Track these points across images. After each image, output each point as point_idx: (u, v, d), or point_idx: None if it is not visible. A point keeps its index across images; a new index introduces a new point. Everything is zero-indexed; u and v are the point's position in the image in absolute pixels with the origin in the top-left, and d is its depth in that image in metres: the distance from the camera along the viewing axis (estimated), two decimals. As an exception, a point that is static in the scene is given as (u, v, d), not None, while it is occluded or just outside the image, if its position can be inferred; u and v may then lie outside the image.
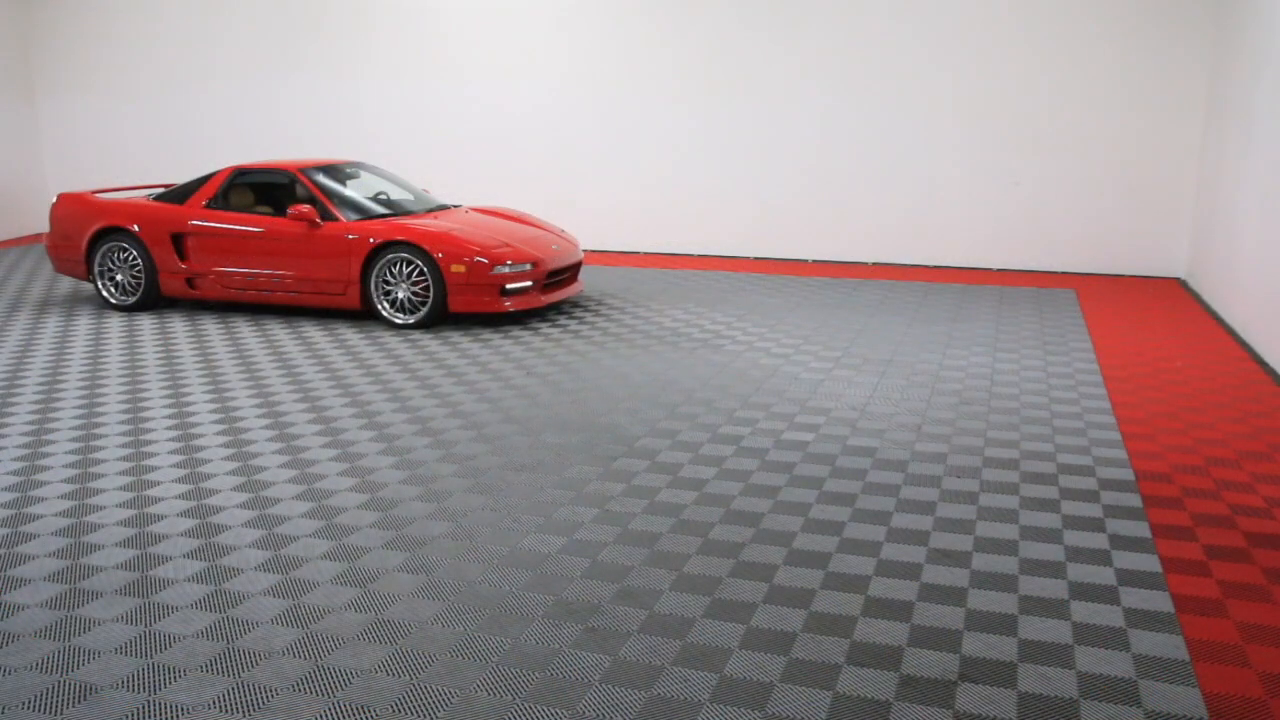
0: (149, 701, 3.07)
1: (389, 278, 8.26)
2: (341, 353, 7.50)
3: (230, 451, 5.32)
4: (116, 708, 3.04)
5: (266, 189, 9.27)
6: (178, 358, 7.36)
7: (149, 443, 5.46)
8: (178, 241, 8.79)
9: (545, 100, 12.32)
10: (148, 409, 6.09)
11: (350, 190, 9.02)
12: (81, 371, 6.99)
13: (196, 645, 3.39)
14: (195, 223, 8.73)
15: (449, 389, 6.51)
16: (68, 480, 4.90)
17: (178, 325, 8.47)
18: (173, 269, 8.82)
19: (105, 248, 8.96)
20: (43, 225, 14.59)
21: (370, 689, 3.14)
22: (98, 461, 5.16)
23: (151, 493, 4.74)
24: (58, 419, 5.89)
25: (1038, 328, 8.30)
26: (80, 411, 6.04)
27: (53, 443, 5.46)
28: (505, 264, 8.11)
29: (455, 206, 9.52)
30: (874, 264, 11.56)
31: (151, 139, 13.94)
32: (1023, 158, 10.89)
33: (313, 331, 8.23)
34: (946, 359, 7.28)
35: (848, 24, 11.16)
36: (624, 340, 7.88)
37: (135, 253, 8.88)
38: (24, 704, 3.06)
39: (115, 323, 8.59)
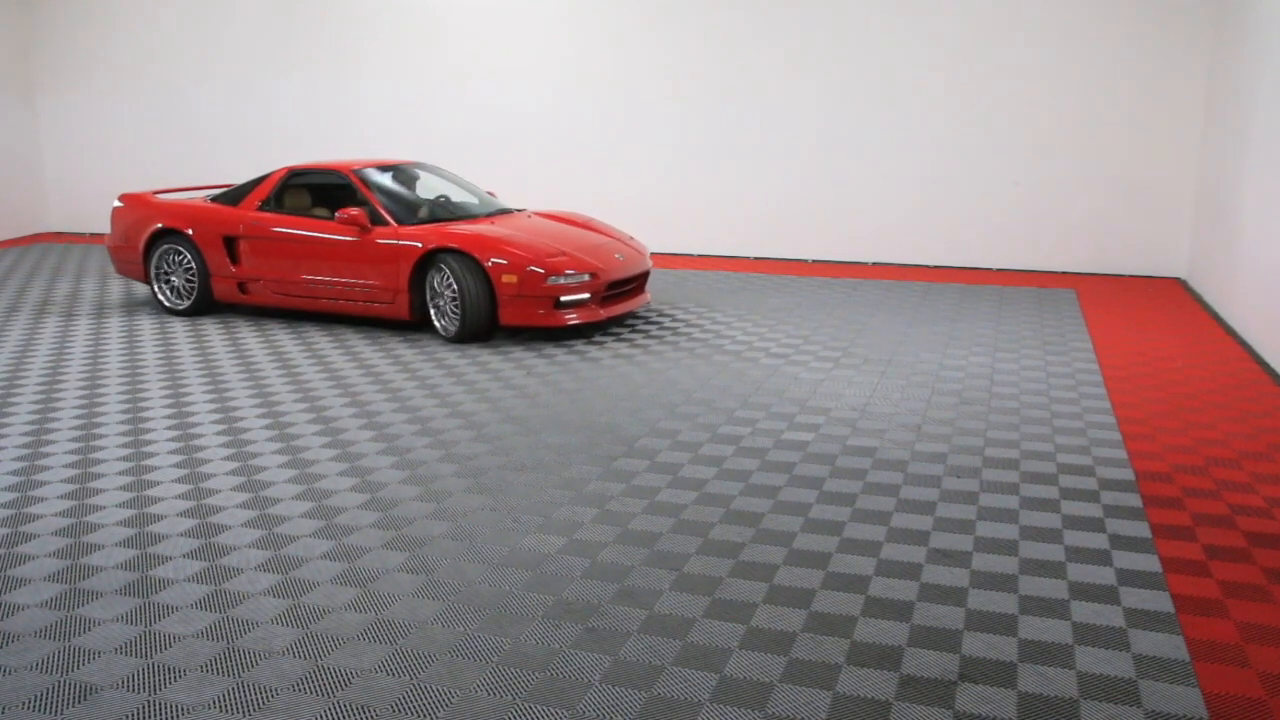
0: (149, 701, 3.07)
1: (437, 286, 7.74)
2: (341, 352, 7.50)
3: (230, 451, 5.32)
4: (116, 708, 3.04)
5: (321, 190, 8.86)
6: (177, 358, 7.36)
7: (149, 442, 5.46)
8: (230, 245, 8.47)
9: (545, 100, 12.32)
10: (147, 409, 6.09)
11: (407, 192, 8.60)
12: (81, 371, 6.99)
13: (196, 645, 3.39)
14: (246, 226, 8.41)
15: (449, 388, 6.51)
16: (68, 480, 4.90)
17: (178, 326, 8.47)
18: (225, 273, 8.51)
19: (161, 250, 8.72)
20: (42, 225, 14.61)
21: (370, 689, 3.14)
22: (98, 461, 5.16)
23: (151, 493, 4.74)
24: (58, 419, 5.89)
25: (1038, 328, 8.30)
26: (80, 411, 6.04)
27: (53, 443, 5.46)
28: (561, 274, 7.48)
29: (519, 210, 9.04)
30: (874, 264, 11.56)
31: (151, 139, 13.94)
32: (1022, 158, 10.89)
33: (314, 333, 8.22)
34: (946, 359, 7.28)
35: (848, 24, 11.16)
36: (624, 340, 7.88)
37: (190, 256, 8.61)
38: (24, 704, 3.06)
39: (115, 323, 8.58)
